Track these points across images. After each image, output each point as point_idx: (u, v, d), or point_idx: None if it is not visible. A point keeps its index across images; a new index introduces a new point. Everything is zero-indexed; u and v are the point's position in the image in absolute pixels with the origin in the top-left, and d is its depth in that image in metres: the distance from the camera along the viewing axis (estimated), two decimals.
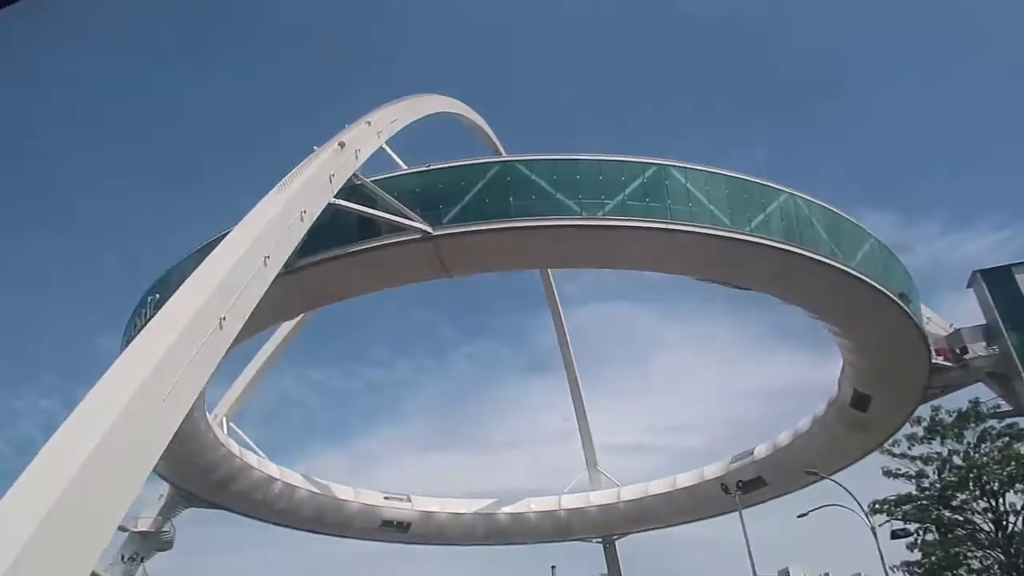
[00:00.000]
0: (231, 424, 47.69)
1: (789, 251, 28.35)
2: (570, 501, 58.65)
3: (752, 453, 51.35)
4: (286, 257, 21.60)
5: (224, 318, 17.93)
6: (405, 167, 31.09)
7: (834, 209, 30.87)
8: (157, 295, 32.26)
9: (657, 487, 56.31)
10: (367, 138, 28.64)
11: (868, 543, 30.63)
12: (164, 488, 48.97)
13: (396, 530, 55.20)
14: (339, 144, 26.72)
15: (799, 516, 33.80)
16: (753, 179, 29.23)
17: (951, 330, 37.93)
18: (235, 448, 45.95)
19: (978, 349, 36.87)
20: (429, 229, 26.81)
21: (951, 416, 38.14)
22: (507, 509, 58.33)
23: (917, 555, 39.31)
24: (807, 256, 28.63)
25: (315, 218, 23.56)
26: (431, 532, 56.36)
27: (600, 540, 61.39)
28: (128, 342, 34.51)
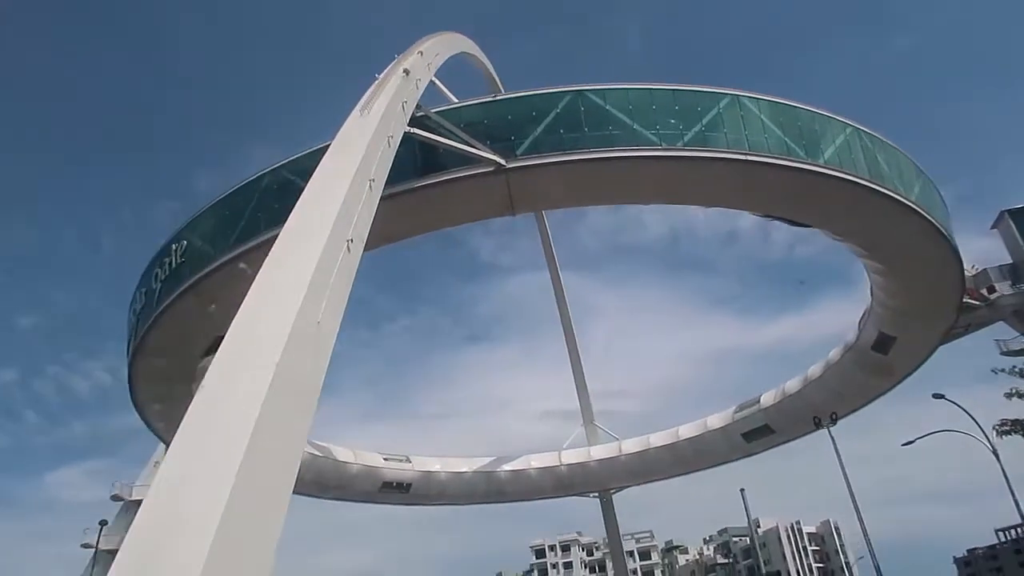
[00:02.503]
0: None
1: (861, 184, 27.81)
2: (570, 456, 58.35)
3: (759, 401, 51.68)
4: (383, 182, 19.89)
5: (351, 240, 16.36)
6: (456, 100, 29.44)
7: (893, 144, 30.52)
8: (184, 242, 29.90)
9: (659, 439, 56.41)
10: (421, 68, 26.84)
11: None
12: (159, 455, 46.50)
13: (397, 491, 53.90)
14: (404, 71, 24.95)
15: (904, 444, 34.26)
16: (822, 111, 28.54)
17: (974, 270, 38.44)
18: None
19: (1004, 288, 37.52)
20: (502, 161, 25.26)
21: None
22: (508, 467, 57.60)
23: None
24: (877, 190, 28.17)
25: (397, 147, 21.91)
26: (432, 492, 55.24)
27: (597, 495, 61.51)
28: (146, 294, 32.13)
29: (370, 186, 18.68)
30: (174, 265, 30.09)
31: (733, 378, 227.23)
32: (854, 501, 34.48)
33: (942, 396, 34.83)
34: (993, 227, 39.17)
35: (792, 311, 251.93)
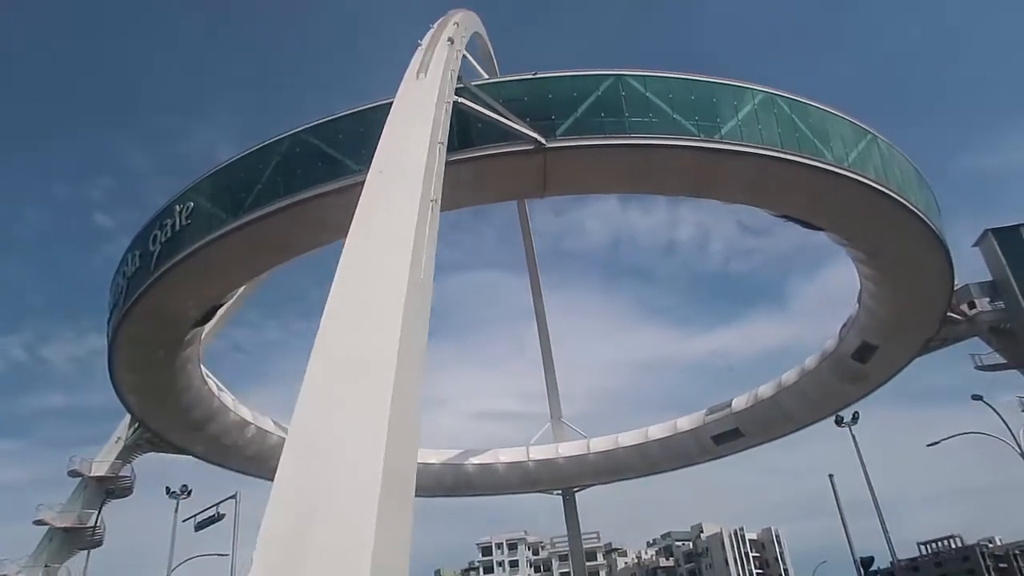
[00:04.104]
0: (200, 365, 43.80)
1: (877, 190, 28.38)
2: (538, 452, 58.14)
3: (730, 405, 52.33)
4: (446, 147, 19.25)
5: (434, 200, 15.75)
6: (485, 75, 28.95)
7: (903, 153, 31.32)
8: (190, 203, 28.50)
9: (628, 439, 56.63)
10: (459, 39, 26.26)
11: None
12: (122, 431, 44.42)
13: None
14: (448, 39, 24.35)
15: (929, 445, 35.32)
16: (846, 116, 29.05)
17: (956, 285, 39.70)
18: (213, 387, 42.23)
19: (984, 304, 38.90)
20: (542, 140, 24.85)
21: None
22: (475, 460, 57.11)
23: None
24: (891, 196, 28.80)
25: (451, 114, 21.28)
26: None
27: (560, 492, 61.39)
28: (141, 256, 30.57)
29: (439, 149, 18.07)
30: (177, 227, 28.68)
31: (667, 387, 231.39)
32: (874, 499, 35.21)
33: (980, 397, 36.03)
34: (975, 245, 40.63)
35: (725, 324, 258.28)
